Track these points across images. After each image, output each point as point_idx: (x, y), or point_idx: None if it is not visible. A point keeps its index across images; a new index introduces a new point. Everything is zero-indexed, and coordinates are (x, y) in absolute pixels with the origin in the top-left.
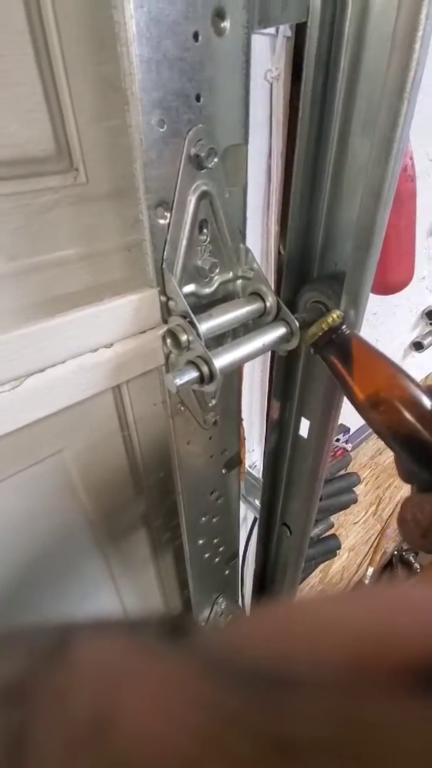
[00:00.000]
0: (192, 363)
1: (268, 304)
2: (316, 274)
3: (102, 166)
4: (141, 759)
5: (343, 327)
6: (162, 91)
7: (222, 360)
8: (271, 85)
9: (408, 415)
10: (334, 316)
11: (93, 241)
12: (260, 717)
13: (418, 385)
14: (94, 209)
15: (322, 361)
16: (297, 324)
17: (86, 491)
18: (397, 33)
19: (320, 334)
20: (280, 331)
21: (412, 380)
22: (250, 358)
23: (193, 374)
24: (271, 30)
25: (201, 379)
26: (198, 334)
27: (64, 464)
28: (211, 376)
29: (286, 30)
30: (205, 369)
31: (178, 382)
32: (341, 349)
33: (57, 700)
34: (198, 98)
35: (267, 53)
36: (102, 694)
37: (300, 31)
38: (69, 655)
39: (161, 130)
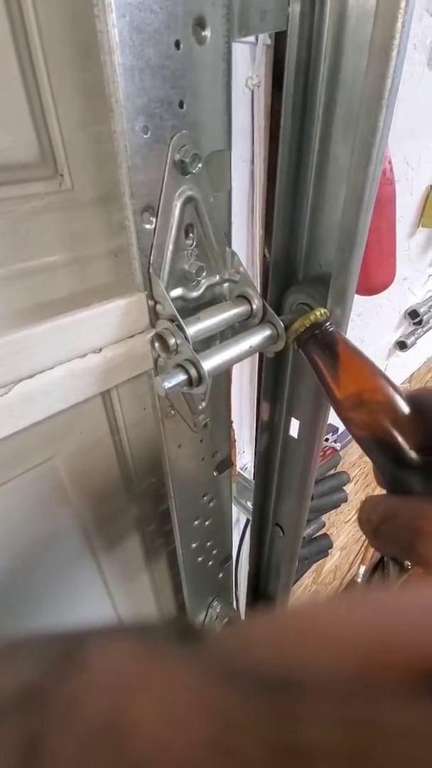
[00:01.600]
0: (180, 366)
1: (254, 306)
2: (301, 276)
3: (87, 172)
4: (153, 764)
5: (327, 324)
6: (145, 98)
7: (210, 362)
8: (253, 92)
9: (384, 418)
10: (319, 312)
11: (79, 247)
12: (270, 723)
13: (396, 388)
14: (80, 215)
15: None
16: (282, 326)
17: (78, 498)
18: (375, 42)
19: (302, 329)
20: (267, 333)
21: (392, 383)
22: (238, 360)
23: (182, 377)
24: (251, 38)
25: (189, 382)
26: (186, 338)
27: (55, 471)
28: (200, 378)
29: (265, 38)
30: (193, 372)
31: (167, 385)
32: (324, 345)
33: (71, 705)
34: (181, 105)
35: (247, 61)
36: (115, 700)
37: (279, 39)
38: (82, 660)
39: (145, 136)
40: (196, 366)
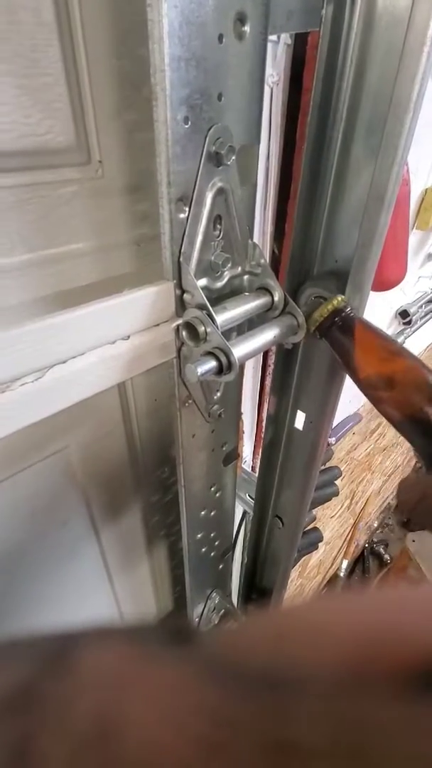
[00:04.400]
0: (211, 354)
1: (275, 298)
2: (316, 271)
3: (117, 161)
4: (145, 765)
5: (348, 309)
6: (188, 89)
7: (239, 350)
8: (272, 89)
9: (416, 395)
10: (338, 300)
11: (104, 235)
12: (262, 721)
13: (424, 365)
14: (108, 203)
15: (318, 355)
16: (303, 317)
17: (87, 486)
18: (407, 47)
19: (325, 315)
20: (289, 324)
21: (419, 361)
22: (263, 350)
23: (213, 364)
24: (273, 37)
25: (219, 369)
26: (216, 326)
27: (68, 460)
28: (230, 365)
29: (286, 38)
30: (224, 359)
31: (200, 370)
32: (347, 329)
33: (61, 708)
34: (219, 97)
35: (268, 59)
36: (106, 701)
37: (299, 39)
38: (72, 662)
39: (186, 126)
40: (227, 353)
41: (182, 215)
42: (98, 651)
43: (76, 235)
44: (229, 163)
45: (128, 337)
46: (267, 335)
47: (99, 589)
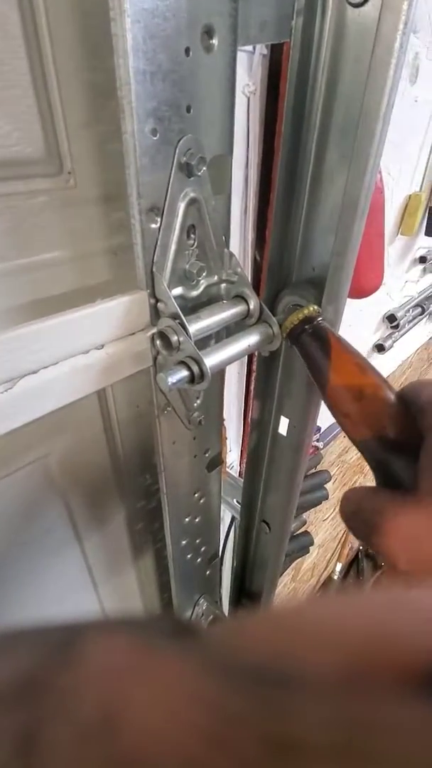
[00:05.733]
0: (183, 363)
1: (251, 306)
2: (294, 278)
3: (90, 171)
4: (147, 756)
5: (320, 319)
6: (155, 102)
7: (211, 360)
8: (249, 99)
9: (375, 409)
10: (310, 308)
11: (80, 244)
12: (264, 717)
13: (385, 381)
14: (82, 212)
15: (300, 360)
16: (278, 326)
17: (68, 495)
18: (374, 59)
19: (295, 323)
20: (264, 332)
21: (381, 376)
22: (237, 359)
23: (184, 373)
24: (249, 48)
25: (192, 379)
26: (188, 335)
27: (48, 468)
28: (202, 375)
29: (262, 48)
30: (195, 368)
31: (171, 380)
32: (315, 339)
33: (66, 698)
34: (188, 109)
35: (244, 69)
36: (110, 692)
37: (275, 49)
38: (77, 653)
39: (154, 138)
40: (199, 363)
41: (153, 225)
42: (103, 641)
43: (49, 244)
44: (200, 173)
45: (102, 346)
46: (242, 344)
47: (83, 596)
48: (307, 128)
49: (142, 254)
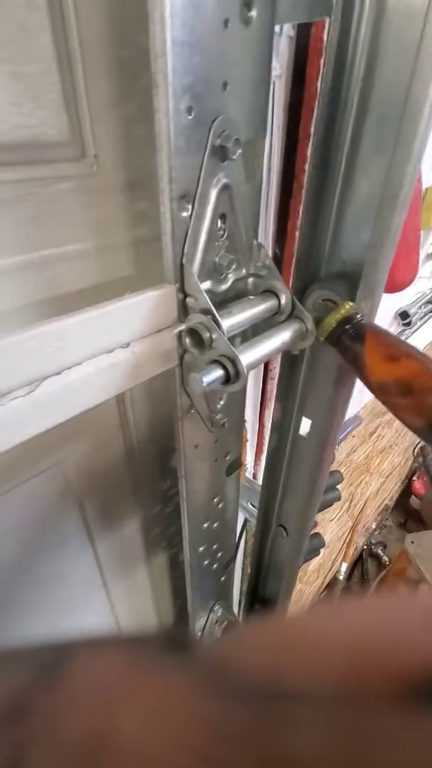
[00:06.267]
0: (217, 362)
1: (282, 302)
2: (323, 272)
3: (114, 155)
4: None
5: (358, 316)
6: (192, 77)
7: (246, 358)
8: (274, 83)
9: (428, 401)
10: (347, 306)
11: (101, 236)
12: (261, 733)
13: None
14: (104, 201)
15: (327, 358)
16: (312, 322)
17: (85, 499)
18: (423, 46)
19: (334, 325)
20: (297, 329)
21: (429, 362)
22: (270, 357)
23: (219, 373)
24: (275, 29)
25: (227, 379)
26: (222, 332)
27: (65, 473)
28: (237, 374)
29: (289, 30)
30: (231, 368)
31: (206, 380)
32: (358, 338)
33: (53, 720)
34: (225, 86)
35: None
36: (98, 713)
37: (302, 32)
38: (66, 672)
39: (189, 117)
40: (234, 362)
41: (185, 214)
42: (92, 661)
43: (71, 235)
44: (234, 157)
45: (128, 344)
46: (275, 341)
47: (95, 602)
48: (342, 114)
49: (171, 245)
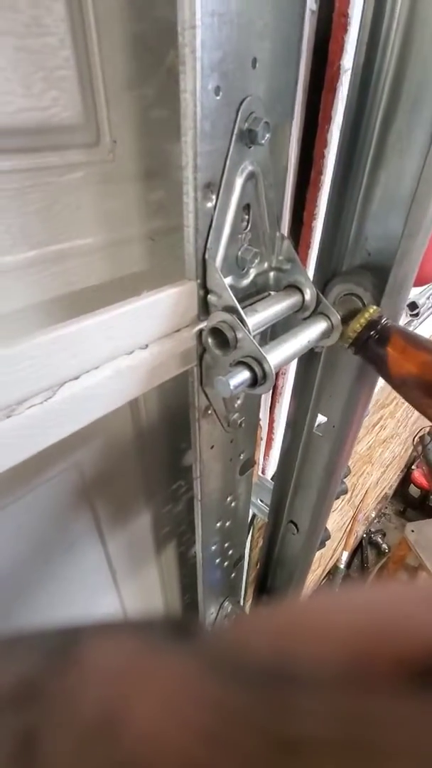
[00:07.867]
0: (243, 363)
1: (307, 297)
2: (345, 265)
3: (131, 142)
4: (150, 759)
5: (384, 320)
6: (221, 52)
7: (273, 358)
8: None
9: None
10: (371, 310)
11: (117, 228)
12: (265, 716)
13: None
14: (120, 191)
15: (344, 355)
16: (338, 318)
17: (97, 500)
18: None
19: (359, 330)
20: (322, 326)
21: None
22: (297, 356)
23: (246, 375)
24: None
25: (254, 381)
26: (248, 331)
27: (80, 474)
28: (265, 376)
29: (312, 3)
30: (258, 369)
31: (234, 383)
32: (383, 344)
33: (66, 701)
34: (254, 64)
35: None
36: (110, 695)
37: (325, 4)
38: (77, 656)
39: (217, 98)
40: (262, 363)
41: (209, 204)
42: (103, 644)
43: (84, 228)
44: (263, 142)
45: (146, 345)
46: (301, 339)
47: (105, 600)
48: (374, 90)
49: (194, 238)
